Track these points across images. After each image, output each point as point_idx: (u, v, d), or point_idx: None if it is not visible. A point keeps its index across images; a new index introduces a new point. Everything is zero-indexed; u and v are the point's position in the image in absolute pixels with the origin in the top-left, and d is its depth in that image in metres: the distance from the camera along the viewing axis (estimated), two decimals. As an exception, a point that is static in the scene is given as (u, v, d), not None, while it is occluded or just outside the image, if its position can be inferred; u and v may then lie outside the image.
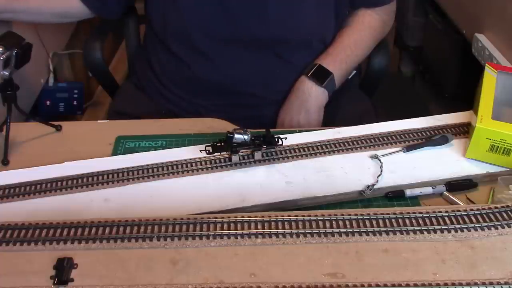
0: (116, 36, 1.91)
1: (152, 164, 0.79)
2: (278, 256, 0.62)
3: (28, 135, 0.89)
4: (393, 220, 0.65)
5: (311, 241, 0.63)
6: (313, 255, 0.62)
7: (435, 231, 0.64)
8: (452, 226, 0.65)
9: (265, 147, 0.79)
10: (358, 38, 1.08)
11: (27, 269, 0.61)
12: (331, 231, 0.64)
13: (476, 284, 0.58)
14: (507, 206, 0.67)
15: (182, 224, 0.65)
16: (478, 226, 0.65)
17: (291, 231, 0.64)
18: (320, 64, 1.03)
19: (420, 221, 0.65)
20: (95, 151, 0.84)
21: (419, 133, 0.84)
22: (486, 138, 0.76)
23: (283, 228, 0.64)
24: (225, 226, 0.65)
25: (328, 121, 1.05)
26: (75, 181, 0.76)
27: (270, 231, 0.64)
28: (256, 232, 0.64)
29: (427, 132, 0.84)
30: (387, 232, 0.64)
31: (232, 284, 0.58)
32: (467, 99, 0.90)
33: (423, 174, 0.77)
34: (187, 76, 1.07)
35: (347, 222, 0.65)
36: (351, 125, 0.87)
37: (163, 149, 0.85)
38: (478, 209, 0.67)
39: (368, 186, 0.74)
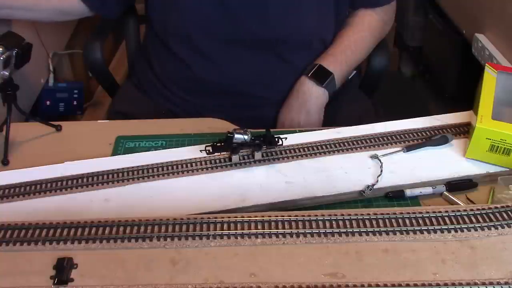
0: (116, 36, 1.91)
1: (152, 164, 0.79)
2: (278, 256, 0.62)
3: (28, 135, 0.89)
4: (393, 220, 0.65)
5: (311, 241, 0.63)
6: (313, 255, 0.62)
7: (435, 231, 0.64)
8: (452, 226, 0.65)
9: (265, 147, 0.79)
10: (358, 38, 1.08)
11: (27, 269, 0.61)
12: (331, 231, 0.64)
13: (476, 284, 0.58)
14: (507, 206, 0.67)
15: (182, 224, 0.65)
16: (478, 226, 0.65)
17: (291, 231, 0.64)
18: (321, 64, 1.03)
19: (420, 221, 0.65)
20: (95, 151, 0.84)
21: (419, 133, 0.84)
22: (486, 138, 0.76)
23: (283, 228, 0.64)
24: (225, 226, 0.65)
25: (328, 121, 1.05)
26: (75, 181, 0.76)
27: (270, 231, 0.64)
28: (256, 232, 0.64)
29: (427, 132, 0.84)
30: (387, 232, 0.64)
31: (232, 284, 0.58)
32: (467, 99, 0.89)
33: (423, 174, 0.77)
34: (188, 76, 1.07)
35: (347, 222, 0.65)
36: (351, 125, 0.87)
37: (163, 149, 0.85)
38: (478, 209, 0.67)
39: (368, 186, 0.74)
